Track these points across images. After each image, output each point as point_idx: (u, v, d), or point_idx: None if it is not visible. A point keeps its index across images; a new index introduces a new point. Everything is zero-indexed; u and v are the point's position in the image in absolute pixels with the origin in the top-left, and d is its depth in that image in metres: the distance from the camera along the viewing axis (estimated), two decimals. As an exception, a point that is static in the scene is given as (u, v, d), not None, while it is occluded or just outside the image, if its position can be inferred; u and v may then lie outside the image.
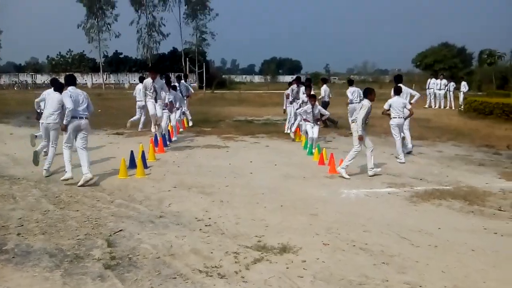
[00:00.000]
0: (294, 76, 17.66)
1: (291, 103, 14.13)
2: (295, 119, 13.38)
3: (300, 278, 4.38)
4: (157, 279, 4.33)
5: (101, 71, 55.85)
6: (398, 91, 10.73)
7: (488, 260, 4.91)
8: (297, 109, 13.09)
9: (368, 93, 8.94)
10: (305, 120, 11.89)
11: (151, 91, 11.22)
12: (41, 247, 5.14)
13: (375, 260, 4.85)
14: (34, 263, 4.69)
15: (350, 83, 16.30)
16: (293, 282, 4.30)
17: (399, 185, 8.10)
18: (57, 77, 20.77)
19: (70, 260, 4.77)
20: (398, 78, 11.87)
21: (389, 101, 10.57)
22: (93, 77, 59.21)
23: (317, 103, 11.79)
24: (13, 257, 4.85)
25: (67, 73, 9.87)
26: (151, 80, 11.24)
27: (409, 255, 5.01)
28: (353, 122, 9.10)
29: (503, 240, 5.54)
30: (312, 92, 12.22)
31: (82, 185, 7.79)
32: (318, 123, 11.74)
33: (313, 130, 11.39)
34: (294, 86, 14.23)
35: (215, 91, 44.00)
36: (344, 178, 8.57)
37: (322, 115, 12.06)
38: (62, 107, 8.19)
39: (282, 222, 6.05)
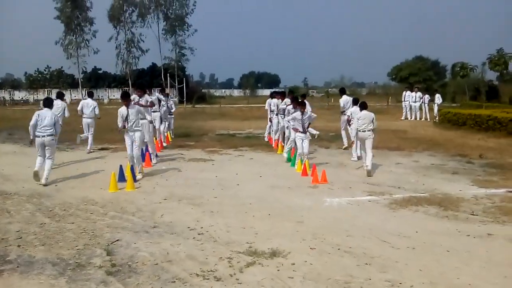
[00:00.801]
0: (273, 90, 18.03)
1: (276, 114, 14.67)
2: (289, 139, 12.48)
3: (290, 279, 4.74)
4: (157, 283, 4.64)
5: (80, 87, 55.40)
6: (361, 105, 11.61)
7: (461, 259, 5.36)
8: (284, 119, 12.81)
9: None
10: (294, 129, 11.16)
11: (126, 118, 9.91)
12: (43, 257, 5.39)
13: (358, 262, 5.24)
14: (39, 272, 4.96)
15: (342, 92, 15.11)
16: (284, 282, 4.66)
17: (379, 193, 8.55)
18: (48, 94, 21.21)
19: (72, 268, 5.04)
20: (342, 90, 14.95)
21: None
22: (72, 93, 58.85)
23: (307, 109, 11.19)
24: (17, 267, 5.10)
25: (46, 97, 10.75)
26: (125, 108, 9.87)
27: (390, 256, 5.42)
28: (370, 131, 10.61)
29: (475, 241, 5.99)
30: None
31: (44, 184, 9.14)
32: (308, 133, 11.04)
33: (303, 145, 10.85)
34: (276, 100, 14.82)
35: (195, 106, 44.31)
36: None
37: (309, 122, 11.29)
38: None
39: (270, 229, 6.41)
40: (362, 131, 10.67)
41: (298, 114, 11.02)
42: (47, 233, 6.25)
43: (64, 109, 12.81)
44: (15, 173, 10.44)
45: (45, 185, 9.13)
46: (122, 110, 9.88)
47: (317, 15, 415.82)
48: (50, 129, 9.33)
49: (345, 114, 13.91)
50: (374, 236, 6.14)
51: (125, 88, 50.14)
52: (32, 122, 9.28)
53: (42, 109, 9.72)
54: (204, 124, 23.79)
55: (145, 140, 11.22)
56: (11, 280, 4.74)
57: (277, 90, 21.30)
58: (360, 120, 10.79)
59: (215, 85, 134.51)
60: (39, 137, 9.27)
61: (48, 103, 9.88)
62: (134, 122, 9.84)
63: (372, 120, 10.75)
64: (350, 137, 13.21)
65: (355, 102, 12.85)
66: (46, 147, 9.34)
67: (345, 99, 14.43)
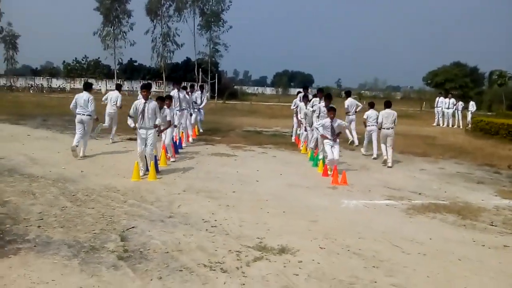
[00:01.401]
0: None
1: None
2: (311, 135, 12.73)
3: (295, 276, 4.80)
4: (165, 271, 4.77)
5: (115, 77, 56.69)
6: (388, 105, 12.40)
7: (471, 268, 5.30)
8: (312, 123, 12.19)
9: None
10: (322, 136, 10.50)
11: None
12: (60, 238, 5.61)
13: (366, 264, 5.25)
14: (54, 252, 5.17)
15: (348, 94, 16.62)
16: (289, 279, 4.72)
17: (398, 198, 8.48)
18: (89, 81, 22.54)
19: (86, 251, 5.24)
20: (348, 93, 16.72)
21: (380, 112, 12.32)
22: (107, 83, 60.21)
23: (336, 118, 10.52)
24: (34, 246, 5.33)
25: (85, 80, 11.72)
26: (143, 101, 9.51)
27: (399, 261, 5.40)
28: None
29: (489, 252, 5.90)
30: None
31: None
32: (337, 140, 10.42)
33: (333, 151, 10.16)
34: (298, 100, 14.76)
35: (226, 102, 44.60)
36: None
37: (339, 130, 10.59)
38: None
39: (283, 226, 6.47)
40: (386, 128, 11.80)
41: (327, 121, 10.42)
42: (67, 216, 6.48)
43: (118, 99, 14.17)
44: (44, 158, 10.81)
45: (83, 157, 11.04)
46: (138, 103, 9.40)
47: (353, 17, 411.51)
48: (86, 108, 11.08)
49: (349, 115, 15.09)
50: (386, 240, 6.11)
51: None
52: (71, 105, 11.23)
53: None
54: (232, 120, 23.94)
55: (166, 143, 11.05)
56: (27, 258, 4.96)
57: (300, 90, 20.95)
58: (384, 118, 11.87)
59: (248, 82, 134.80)
60: (79, 114, 11.08)
61: (86, 86, 11.70)
62: (149, 120, 9.35)
63: (394, 119, 11.93)
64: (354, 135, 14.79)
65: (371, 106, 13.35)
66: (84, 124, 11.05)
67: (350, 102, 15.44)
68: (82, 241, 5.53)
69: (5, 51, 59.50)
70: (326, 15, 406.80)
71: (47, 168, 9.65)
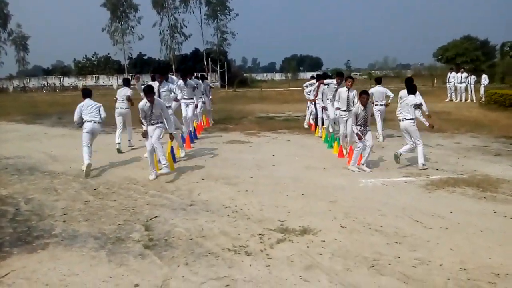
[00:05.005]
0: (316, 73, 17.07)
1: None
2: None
3: (319, 255, 4.86)
4: (191, 257, 4.87)
5: (126, 72, 57.05)
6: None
7: (494, 239, 5.30)
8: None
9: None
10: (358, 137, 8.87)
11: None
12: (85, 231, 5.74)
13: (388, 240, 5.29)
14: (81, 245, 5.29)
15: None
16: (313, 258, 4.78)
17: (416, 175, 8.47)
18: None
19: (112, 242, 5.35)
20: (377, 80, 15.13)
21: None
22: (118, 79, 60.47)
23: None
24: (62, 240, 5.46)
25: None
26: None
27: (421, 235, 5.43)
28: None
29: (511, 222, 5.89)
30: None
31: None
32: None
33: (366, 138, 8.93)
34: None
35: (237, 90, 44.55)
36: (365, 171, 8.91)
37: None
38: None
39: (303, 208, 6.53)
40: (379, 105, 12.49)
41: (358, 108, 8.96)
42: (90, 210, 6.61)
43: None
44: (63, 154, 10.99)
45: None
46: (143, 104, 8.67)
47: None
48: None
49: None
50: (407, 216, 6.14)
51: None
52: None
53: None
54: (244, 107, 23.96)
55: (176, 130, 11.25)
56: (55, 252, 5.09)
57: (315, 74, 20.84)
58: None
59: (257, 69, 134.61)
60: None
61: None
62: (157, 119, 8.84)
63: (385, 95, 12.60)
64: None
65: (378, 81, 13.53)
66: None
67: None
68: (108, 233, 5.65)
69: (16, 53, 60.09)
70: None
71: (67, 164, 9.81)
